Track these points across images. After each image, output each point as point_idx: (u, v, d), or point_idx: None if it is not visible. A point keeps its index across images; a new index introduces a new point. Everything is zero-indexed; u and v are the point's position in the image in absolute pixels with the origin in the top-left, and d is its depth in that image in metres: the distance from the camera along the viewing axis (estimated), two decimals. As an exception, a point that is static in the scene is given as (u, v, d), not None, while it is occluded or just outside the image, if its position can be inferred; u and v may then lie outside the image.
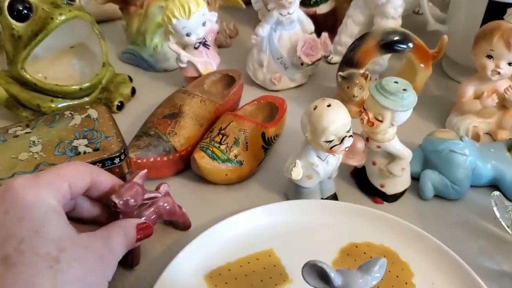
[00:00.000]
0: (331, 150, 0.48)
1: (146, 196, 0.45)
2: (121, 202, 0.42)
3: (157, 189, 0.49)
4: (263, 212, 0.52)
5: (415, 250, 0.48)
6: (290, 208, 0.52)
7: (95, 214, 0.46)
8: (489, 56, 0.59)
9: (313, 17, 0.76)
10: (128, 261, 0.48)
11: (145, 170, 0.46)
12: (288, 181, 0.55)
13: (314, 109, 0.47)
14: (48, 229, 0.35)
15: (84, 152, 0.50)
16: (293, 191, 0.55)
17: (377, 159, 0.54)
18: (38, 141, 0.52)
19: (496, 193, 0.51)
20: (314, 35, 0.71)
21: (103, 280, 0.38)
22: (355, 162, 0.53)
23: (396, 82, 0.48)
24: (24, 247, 0.34)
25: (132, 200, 0.43)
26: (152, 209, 0.47)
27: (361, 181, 0.58)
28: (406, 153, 0.52)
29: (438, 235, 0.50)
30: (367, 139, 0.53)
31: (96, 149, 0.51)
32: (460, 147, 0.55)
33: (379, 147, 0.52)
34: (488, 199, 0.51)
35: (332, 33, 0.79)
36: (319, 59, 0.72)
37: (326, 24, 0.81)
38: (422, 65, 0.65)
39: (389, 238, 0.50)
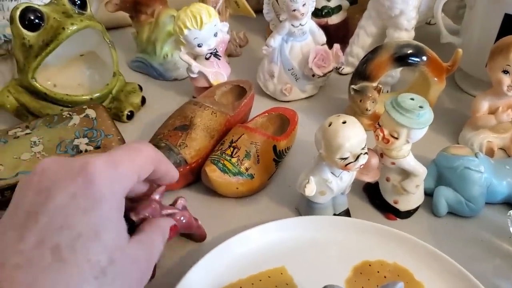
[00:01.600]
0: (346, 167, 0.47)
1: (164, 212, 0.44)
2: (138, 220, 0.41)
3: (174, 203, 0.48)
4: (275, 228, 0.51)
5: (429, 270, 0.47)
6: (302, 224, 0.51)
7: (140, 194, 0.44)
8: (505, 72, 0.59)
9: (325, 28, 0.76)
10: None
11: (164, 186, 0.45)
12: (300, 195, 0.54)
13: (329, 125, 0.46)
14: (107, 234, 0.33)
15: (86, 151, 0.50)
16: (305, 206, 0.54)
17: (391, 175, 0.53)
18: (39, 141, 0.52)
19: (513, 212, 0.50)
20: (326, 46, 0.71)
21: None
22: (369, 178, 0.53)
23: (412, 99, 0.48)
24: (78, 246, 0.31)
25: (150, 218, 0.42)
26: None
27: (374, 196, 0.57)
28: (421, 170, 0.52)
29: (452, 253, 0.49)
30: (381, 155, 0.52)
31: (97, 147, 0.51)
32: (475, 164, 0.54)
33: (393, 163, 0.51)
34: (503, 217, 0.50)
35: (344, 44, 0.78)
36: (331, 71, 0.71)
37: (338, 35, 0.80)
38: (435, 79, 0.65)
39: (402, 256, 0.49)
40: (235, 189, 0.56)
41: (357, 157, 0.46)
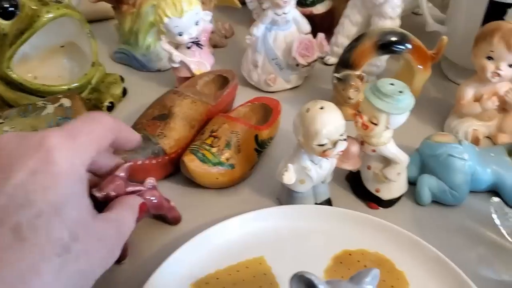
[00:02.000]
0: (324, 154, 0.46)
1: (129, 189, 0.43)
2: (101, 196, 0.40)
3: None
4: (254, 218, 0.50)
5: (411, 259, 0.46)
6: (282, 214, 0.50)
7: (108, 168, 0.43)
8: (489, 58, 0.58)
9: (310, 18, 0.75)
10: None
11: (129, 163, 0.44)
12: (281, 185, 0.53)
13: (307, 111, 0.45)
14: (69, 210, 0.32)
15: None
16: (286, 195, 0.53)
17: (372, 163, 0.52)
18: (11, 130, 0.50)
19: (496, 199, 0.49)
20: (310, 35, 0.70)
21: (102, 271, 0.35)
22: (350, 166, 0.52)
23: (392, 84, 0.47)
24: (39, 224, 0.30)
25: (113, 194, 0.41)
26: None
27: (356, 185, 0.56)
28: (402, 158, 0.51)
29: (435, 242, 0.49)
30: (362, 143, 0.51)
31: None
32: (459, 151, 0.53)
33: (374, 151, 0.50)
34: (488, 205, 0.49)
35: (329, 34, 0.77)
36: (315, 60, 0.70)
37: (323, 25, 0.79)
38: (420, 67, 0.64)
39: (384, 245, 0.48)
40: (215, 179, 0.55)
41: (335, 144, 0.45)
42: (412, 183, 0.56)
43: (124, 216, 0.38)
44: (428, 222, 0.53)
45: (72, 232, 0.32)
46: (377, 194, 0.54)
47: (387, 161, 0.51)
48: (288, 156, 0.50)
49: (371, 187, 0.54)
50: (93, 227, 0.34)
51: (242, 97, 0.68)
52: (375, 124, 0.47)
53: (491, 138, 0.64)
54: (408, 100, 0.46)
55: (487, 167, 0.54)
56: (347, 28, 0.74)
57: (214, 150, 0.55)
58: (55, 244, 0.30)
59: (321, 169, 0.50)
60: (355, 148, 0.50)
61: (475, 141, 0.62)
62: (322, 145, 0.45)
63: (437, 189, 0.53)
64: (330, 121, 0.45)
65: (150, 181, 0.47)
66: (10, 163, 0.32)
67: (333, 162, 0.50)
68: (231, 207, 0.54)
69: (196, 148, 0.55)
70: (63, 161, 0.32)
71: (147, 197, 0.46)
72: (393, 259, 0.47)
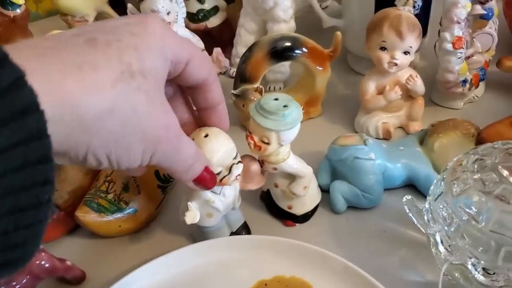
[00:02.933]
0: (222, 182, 0.43)
1: None
2: None
3: None
4: (165, 263, 0.46)
5: (329, 276, 0.43)
6: (193, 252, 0.47)
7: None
8: (383, 48, 0.56)
9: (207, 33, 0.72)
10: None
11: None
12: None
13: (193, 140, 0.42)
14: (147, 58, 0.31)
15: None
16: (198, 232, 0.50)
17: (278, 180, 0.49)
18: None
19: (408, 197, 0.47)
20: (204, 52, 0.66)
21: (132, 141, 0.31)
22: (254, 186, 0.48)
23: (276, 99, 0.43)
24: (114, 45, 0.29)
25: None
26: (25, 272, 0.42)
27: (270, 204, 0.53)
28: (305, 171, 0.48)
29: (355, 250, 0.47)
30: (262, 162, 0.48)
31: None
32: (365, 152, 0.50)
33: (275, 169, 0.47)
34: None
35: (231, 46, 0.74)
36: (215, 77, 0.67)
37: (223, 38, 0.76)
38: (319, 68, 0.61)
39: (299, 267, 0.44)
40: (117, 228, 0.51)
41: (230, 169, 0.42)
42: (326, 191, 0.53)
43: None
44: (346, 229, 0.51)
45: (143, 68, 0.30)
46: (290, 211, 0.51)
47: (292, 177, 0.48)
48: (186, 192, 0.46)
49: (283, 204, 0.51)
50: (162, 96, 0.33)
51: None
52: (267, 144, 0.44)
53: (403, 127, 0.62)
54: (294, 113, 0.43)
55: (397, 162, 0.52)
56: (245, 38, 0.71)
57: (110, 196, 0.51)
58: (122, 63, 0.29)
59: (225, 198, 0.46)
60: (255, 167, 0.47)
61: (387, 135, 0.60)
62: (218, 174, 0.42)
63: (350, 194, 0.51)
64: (218, 148, 0.41)
65: None
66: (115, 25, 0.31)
67: (236, 187, 0.47)
68: (143, 253, 0.50)
69: (90, 198, 0.51)
70: (155, 35, 0.32)
71: (35, 262, 0.42)
72: (310, 281, 0.44)
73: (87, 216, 0.49)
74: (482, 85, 0.66)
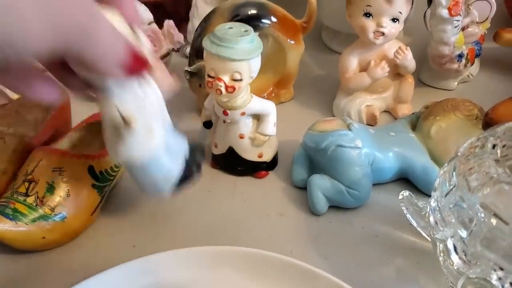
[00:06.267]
0: None
1: None
2: None
3: None
4: (100, 286, 0.36)
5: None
6: (132, 271, 0.37)
7: None
8: (368, 14, 0.47)
9: (159, 4, 0.61)
10: None
11: None
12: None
13: None
14: None
15: None
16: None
17: (243, 130, 0.44)
18: None
19: (405, 193, 0.38)
20: (153, 25, 0.56)
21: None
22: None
23: (231, 28, 0.40)
24: None
25: None
26: None
27: (233, 165, 0.47)
28: (270, 105, 0.44)
29: (341, 262, 0.38)
30: (225, 113, 0.42)
31: None
32: (349, 138, 0.41)
33: (243, 113, 0.42)
34: (398, 200, 0.38)
35: (187, 22, 0.64)
36: (166, 55, 0.56)
37: (178, 11, 0.66)
38: (291, 41, 0.52)
39: (271, 285, 0.35)
40: (41, 239, 0.40)
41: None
42: (302, 188, 0.44)
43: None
44: (329, 236, 0.41)
45: None
46: (260, 160, 0.46)
47: (257, 119, 0.44)
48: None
49: (252, 155, 0.45)
50: None
51: (82, 116, 0.53)
52: (240, 80, 0.39)
53: (390, 111, 0.53)
54: (256, 37, 0.40)
55: (388, 151, 0.43)
56: (202, 9, 0.61)
57: (30, 200, 0.40)
58: None
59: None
60: None
61: (372, 120, 0.51)
62: None
63: (332, 192, 0.41)
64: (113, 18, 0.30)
65: None
66: None
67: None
68: (73, 271, 0.39)
69: (4, 204, 0.40)
70: None
71: None
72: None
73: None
74: (477, 62, 0.58)
